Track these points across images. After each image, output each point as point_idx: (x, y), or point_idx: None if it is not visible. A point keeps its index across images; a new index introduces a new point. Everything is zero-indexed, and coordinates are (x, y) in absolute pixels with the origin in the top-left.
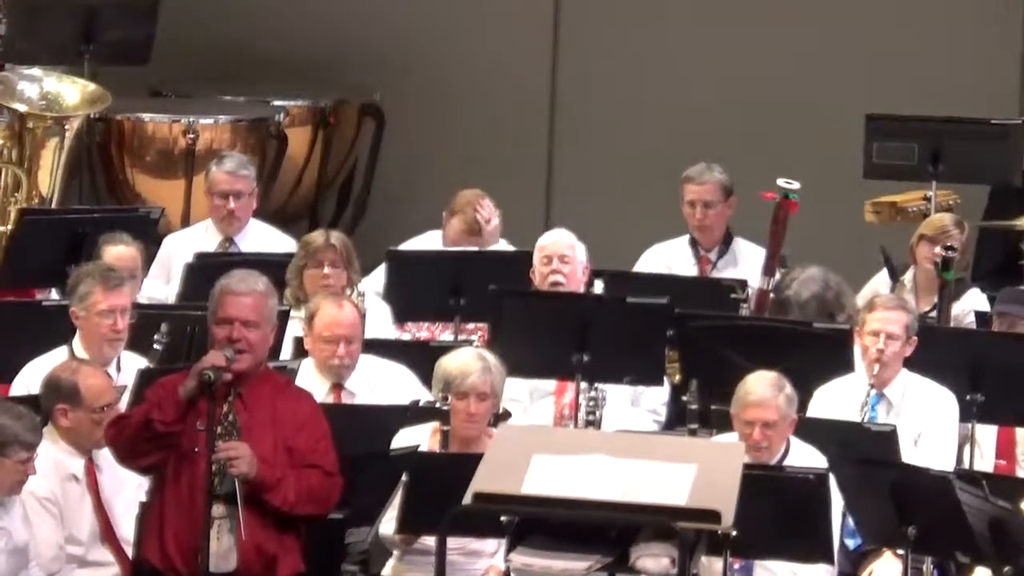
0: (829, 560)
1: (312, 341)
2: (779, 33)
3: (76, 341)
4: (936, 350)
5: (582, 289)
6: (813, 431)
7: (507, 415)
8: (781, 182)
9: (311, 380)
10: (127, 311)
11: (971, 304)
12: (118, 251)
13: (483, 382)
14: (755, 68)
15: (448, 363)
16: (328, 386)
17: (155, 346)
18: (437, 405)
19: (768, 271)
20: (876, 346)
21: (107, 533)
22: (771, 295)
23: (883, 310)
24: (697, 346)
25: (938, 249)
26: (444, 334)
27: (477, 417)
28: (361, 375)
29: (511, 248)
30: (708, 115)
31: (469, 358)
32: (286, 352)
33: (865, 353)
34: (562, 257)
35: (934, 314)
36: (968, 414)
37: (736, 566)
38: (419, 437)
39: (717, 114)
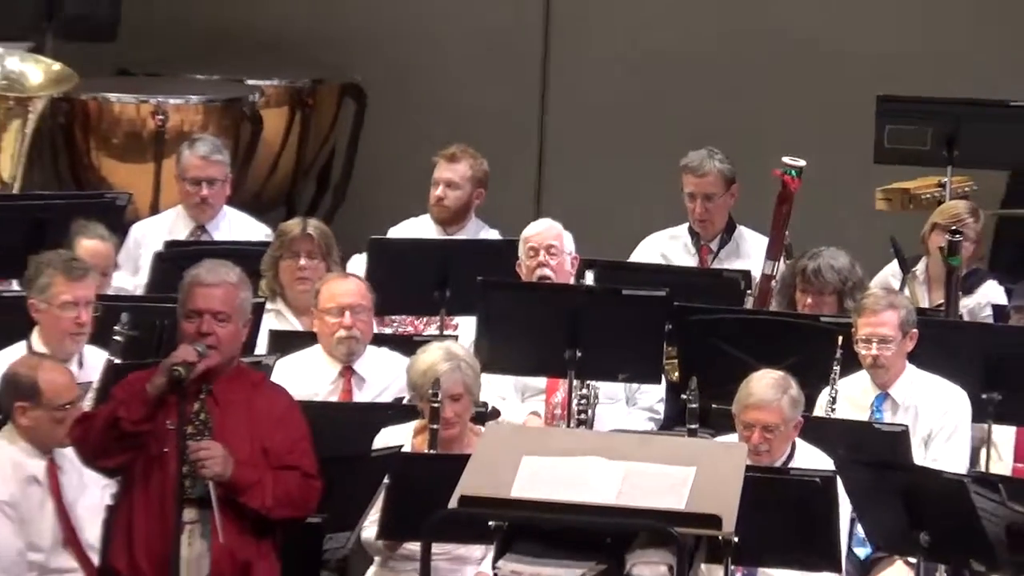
0: (836, 568)
1: (319, 320)
2: (786, 6)
3: (35, 335)
4: (949, 346)
5: (571, 281)
6: (820, 432)
7: (496, 413)
8: (786, 159)
9: (320, 365)
10: (91, 303)
11: (988, 297)
12: (92, 245)
13: (454, 383)
14: (759, 45)
15: (415, 366)
16: (337, 370)
17: (115, 338)
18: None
19: (772, 255)
20: (870, 352)
21: (70, 538)
22: (775, 282)
23: (870, 315)
24: (697, 341)
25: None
26: (429, 328)
27: (453, 420)
28: (373, 362)
29: (501, 238)
30: (709, 97)
31: (435, 358)
32: (261, 347)
33: (863, 360)
34: (549, 248)
35: None
36: (984, 414)
37: (738, 575)
38: (402, 437)
39: (719, 96)
